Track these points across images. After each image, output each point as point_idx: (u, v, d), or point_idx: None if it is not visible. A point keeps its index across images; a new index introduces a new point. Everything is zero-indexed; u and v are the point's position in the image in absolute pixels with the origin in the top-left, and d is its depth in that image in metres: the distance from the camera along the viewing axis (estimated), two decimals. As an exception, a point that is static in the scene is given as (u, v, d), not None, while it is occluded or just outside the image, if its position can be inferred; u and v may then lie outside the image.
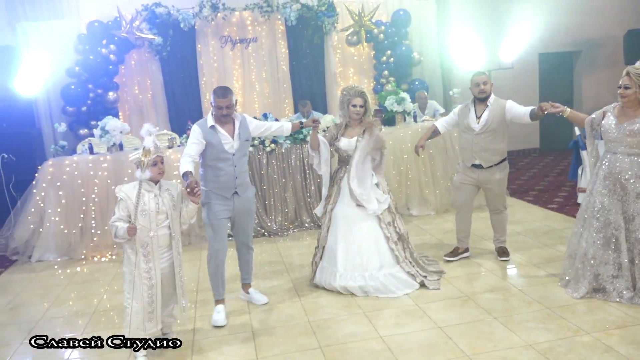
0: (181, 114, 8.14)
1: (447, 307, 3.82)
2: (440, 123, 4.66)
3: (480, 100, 4.39)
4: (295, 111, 8.32)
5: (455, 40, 8.50)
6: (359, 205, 4.12)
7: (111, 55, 7.62)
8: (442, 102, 8.66)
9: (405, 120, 6.77)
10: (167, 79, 8.28)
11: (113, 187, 5.67)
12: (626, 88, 3.49)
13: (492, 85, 4.45)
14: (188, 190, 3.24)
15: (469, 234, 4.77)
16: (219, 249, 3.85)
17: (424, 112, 7.60)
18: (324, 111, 8.21)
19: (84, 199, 5.76)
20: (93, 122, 7.33)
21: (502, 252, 4.70)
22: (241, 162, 3.84)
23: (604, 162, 3.70)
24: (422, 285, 4.15)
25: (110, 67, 7.71)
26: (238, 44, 8.43)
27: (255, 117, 6.30)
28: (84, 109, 7.62)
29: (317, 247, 4.40)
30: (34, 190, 5.78)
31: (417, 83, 8.46)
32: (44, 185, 5.74)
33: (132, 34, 7.58)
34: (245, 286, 4.22)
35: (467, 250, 4.79)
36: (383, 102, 7.03)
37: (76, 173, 5.78)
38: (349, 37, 8.44)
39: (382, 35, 8.37)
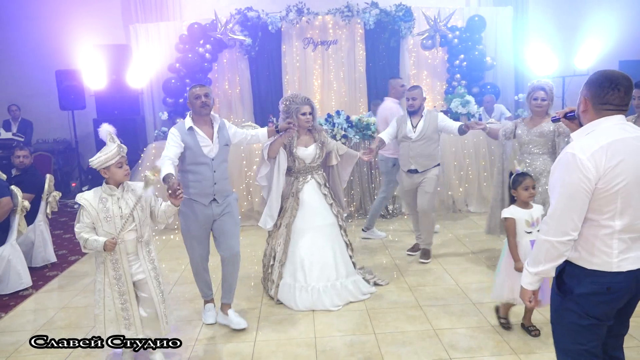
0: (265, 108, 8.97)
1: (483, 289, 4.26)
2: (384, 135, 4.99)
3: (412, 112, 4.91)
4: (369, 109, 8.88)
5: (530, 45, 8.66)
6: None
7: (207, 54, 8.55)
8: (513, 106, 8.86)
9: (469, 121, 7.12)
10: (253, 77, 9.13)
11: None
12: (543, 100, 4.27)
13: (425, 100, 5.04)
14: (170, 192, 3.08)
15: None
16: (202, 254, 3.73)
17: (491, 115, 7.89)
18: (396, 111, 8.70)
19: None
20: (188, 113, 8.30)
21: (425, 254, 5.02)
22: (221, 168, 3.65)
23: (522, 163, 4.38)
24: (376, 284, 4.38)
25: (205, 64, 8.65)
26: (319, 46, 9.10)
27: (329, 116, 7.00)
28: (180, 100, 8.60)
29: (271, 264, 4.21)
30: (140, 169, 6.80)
31: (488, 87, 8.72)
32: (147, 164, 6.71)
33: (225, 35, 8.48)
34: (225, 307, 3.81)
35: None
36: (450, 105, 7.42)
37: (173, 155, 6.71)
38: (424, 41, 8.85)
39: (456, 39, 8.71)
